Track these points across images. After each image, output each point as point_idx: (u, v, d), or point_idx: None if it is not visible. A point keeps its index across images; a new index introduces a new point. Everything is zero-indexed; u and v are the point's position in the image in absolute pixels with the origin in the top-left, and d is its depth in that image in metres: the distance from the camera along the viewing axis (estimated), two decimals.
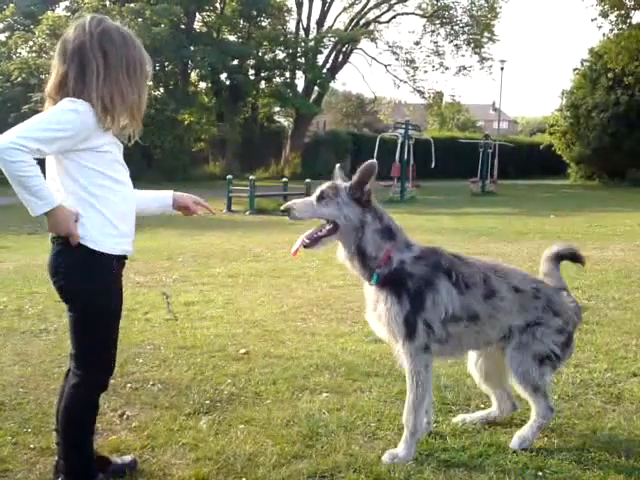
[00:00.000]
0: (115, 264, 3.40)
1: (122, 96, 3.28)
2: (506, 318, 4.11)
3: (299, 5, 44.91)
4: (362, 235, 3.93)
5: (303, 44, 42.80)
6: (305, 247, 4.03)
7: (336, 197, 3.94)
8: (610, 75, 38.05)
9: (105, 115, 3.22)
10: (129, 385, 5.09)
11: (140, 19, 33.83)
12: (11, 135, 2.98)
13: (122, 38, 3.31)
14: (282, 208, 4.07)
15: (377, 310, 4.03)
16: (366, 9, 46.87)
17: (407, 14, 48.02)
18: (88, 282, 3.32)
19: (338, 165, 4.34)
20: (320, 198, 3.97)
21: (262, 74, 42.98)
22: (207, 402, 4.76)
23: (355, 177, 3.94)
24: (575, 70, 44.41)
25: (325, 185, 4.02)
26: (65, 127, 3.08)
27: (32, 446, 4.02)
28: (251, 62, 42.08)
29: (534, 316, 4.14)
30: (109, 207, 3.31)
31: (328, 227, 3.98)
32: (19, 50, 36.95)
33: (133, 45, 3.34)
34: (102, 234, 3.30)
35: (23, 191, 3.08)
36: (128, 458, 3.81)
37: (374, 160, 3.95)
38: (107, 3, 36.60)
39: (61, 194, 3.24)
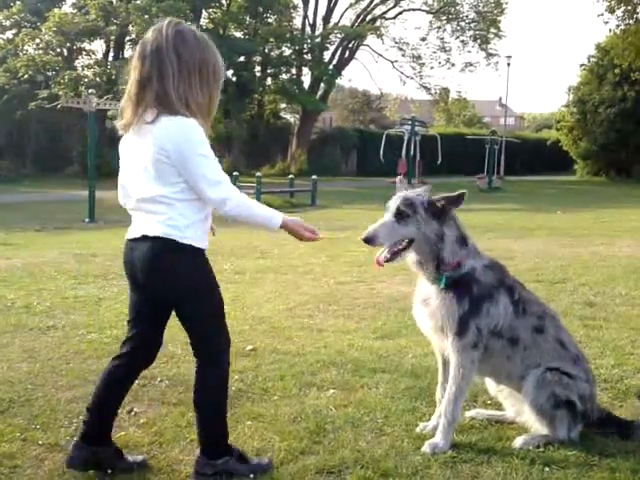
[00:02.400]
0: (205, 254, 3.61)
1: (194, 97, 3.39)
2: (539, 357, 4.12)
3: (305, 1, 44.88)
4: (442, 247, 3.98)
5: (309, 40, 42.78)
6: (386, 262, 4.01)
7: (415, 214, 3.93)
8: (617, 71, 38.03)
9: (190, 114, 3.36)
10: (137, 382, 5.07)
11: (146, 16, 33.81)
12: (219, 192, 3.37)
13: (196, 41, 3.41)
14: (363, 237, 3.92)
15: (431, 305, 4.07)
16: (372, 5, 46.81)
17: (413, 10, 47.97)
18: (195, 272, 3.53)
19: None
20: (399, 217, 3.94)
21: (268, 71, 42.99)
22: None
23: (441, 200, 3.96)
24: (582, 66, 44.39)
25: (398, 200, 3.99)
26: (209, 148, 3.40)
27: (41, 442, 4.03)
28: (257, 59, 42.10)
29: (568, 370, 4.13)
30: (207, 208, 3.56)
31: (405, 242, 3.98)
32: (26, 47, 36.95)
33: (207, 48, 3.44)
34: (200, 231, 3.52)
35: (255, 220, 3.59)
36: (139, 457, 3.84)
37: (465, 192, 3.96)
38: (113, 0, 36.61)
39: (166, 200, 3.40)
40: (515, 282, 4.23)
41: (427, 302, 4.12)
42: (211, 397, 3.63)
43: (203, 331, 3.60)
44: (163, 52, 3.32)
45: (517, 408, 4.30)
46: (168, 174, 3.34)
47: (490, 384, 4.52)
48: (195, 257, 3.49)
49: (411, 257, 4.07)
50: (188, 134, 3.30)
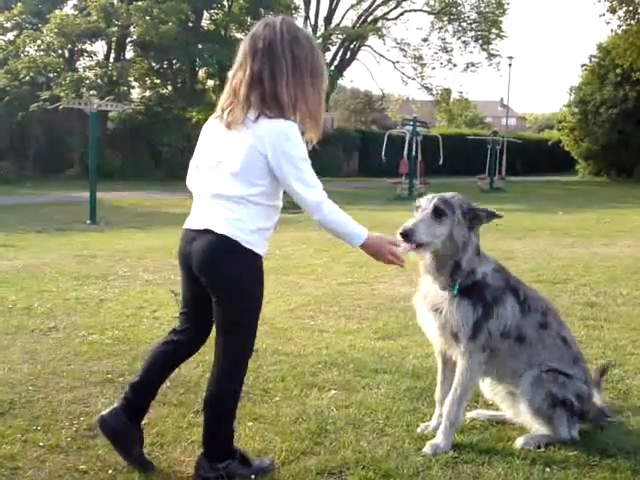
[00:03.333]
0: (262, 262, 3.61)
1: (305, 99, 3.39)
2: (543, 352, 4.13)
3: (307, 2, 44.88)
4: (463, 254, 3.98)
5: None
6: (414, 250, 3.96)
7: (453, 215, 3.95)
8: (618, 71, 37.97)
9: (294, 116, 3.37)
10: None
11: (148, 17, 33.82)
12: (315, 195, 3.41)
13: (309, 43, 3.42)
14: (400, 231, 3.86)
15: (442, 311, 4.06)
16: (374, 6, 46.79)
17: (415, 11, 47.96)
18: (248, 277, 3.55)
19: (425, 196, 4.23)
20: (436, 214, 3.93)
21: None
22: None
23: (480, 209, 4.04)
24: (583, 66, 44.34)
25: (435, 199, 3.98)
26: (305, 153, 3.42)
27: (41, 444, 4.03)
28: None
29: (566, 370, 4.14)
30: (276, 217, 3.61)
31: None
32: (27, 49, 36.92)
33: (316, 49, 3.46)
34: (263, 238, 3.53)
35: (341, 233, 3.54)
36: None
37: (502, 214, 4.04)
38: (115, 1, 36.60)
39: (243, 200, 3.42)
40: (518, 282, 4.25)
41: (437, 308, 4.09)
42: (225, 401, 3.62)
43: (235, 335, 3.58)
44: (278, 50, 3.29)
45: (515, 409, 4.30)
46: (255, 175, 3.34)
47: (485, 388, 4.51)
48: (253, 262, 3.50)
49: (428, 259, 4.05)
50: (290, 136, 3.30)
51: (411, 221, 3.92)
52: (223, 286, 3.49)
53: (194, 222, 3.57)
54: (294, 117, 3.37)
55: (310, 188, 3.38)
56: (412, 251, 3.94)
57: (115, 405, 3.77)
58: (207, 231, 3.45)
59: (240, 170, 3.35)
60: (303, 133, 3.46)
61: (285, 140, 3.29)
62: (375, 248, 3.56)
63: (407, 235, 3.85)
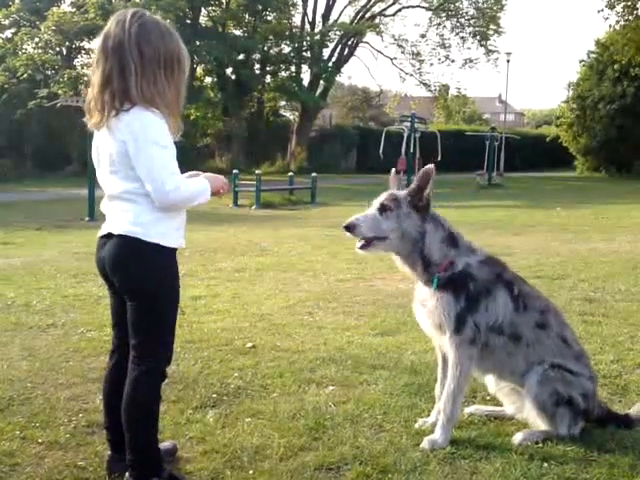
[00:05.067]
0: (174, 254, 3.50)
1: (160, 93, 3.32)
2: (543, 352, 4.12)
3: None
4: (423, 245, 3.98)
5: (309, 38, 42.71)
6: (360, 249, 4.07)
7: (397, 209, 3.96)
8: (616, 67, 38.00)
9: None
10: None
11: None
12: (167, 185, 3.24)
13: (160, 33, 3.34)
14: (345, 225, 3.95)
15: (428, 306, 4.09)
16: (371, 2, 46.66)
17: (413, 7, 47.84)
18: (158, 273, 3.43)
19: (394, 170, 4.31)
20: (382, 210, 3.97)
21: (268, 68, 42.94)
22: (214, 395, 4.77)
23: (413, 184, 3.98)
24: (581, 62, 44.36)
25: (384, 196, 4.02)
26: (168, 140, 3.31)
27: (40, 440, 4.04)
28: (257, 56, 42.03)
29: (569, 366, 4.12)
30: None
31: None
32: (25, 46, 36.89)
33: (170, 40, 3.37)
34: (167, 229, 3.41)
35: (195, 202, 3.41)
36: (168, 444, 3.86)
37: (431, 165, 3.96)
38: None
39: (130, 196, 3.35)
40: (515, 277, 4.22)
41: (424, 303, 4.13)
42: (142, 409, 3.49)
43: (152, 335, 3.48)
44: (125, 49, 3.24)
45: (518, 405, 4.30)
46: (130, 167, 3.28)
47: (490, 382, 4.51)
48: (161, 256, 3.40)
49: (397, 259, 4.11)
50: (144, 123, 3.23)
51: (355, 215, 4.00)
52: (134, 287, 3.42)
53: (102, 229, 3.53)
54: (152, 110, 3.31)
55: (169, 176, 3.26)
56: (362, 250, 4.04)
57: (108, 453, 3.71)
58: (110, 235, 3.44)
59: (117, 167, 3.32)
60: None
61: (139, 127, 3.23)
62: (215, 185, 3.55)
63: (350, 229, 3.95)
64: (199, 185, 3.44)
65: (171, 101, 3.38)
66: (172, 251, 3.45)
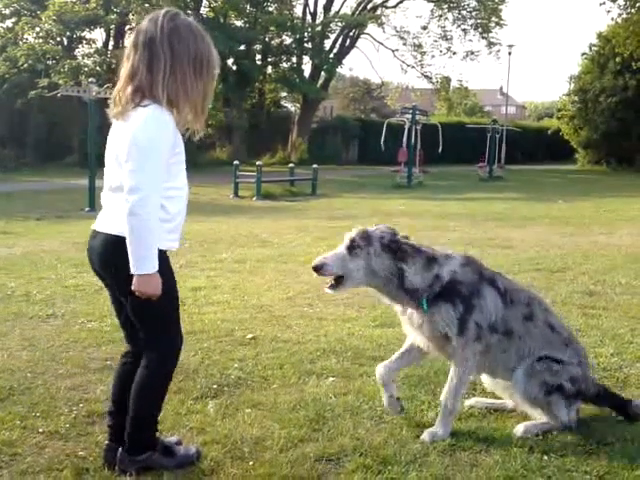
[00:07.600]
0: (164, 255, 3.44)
1: (186, 91, 3.34)
2: (532, 344, 4.13)
3: None
4: (401, 281, 3.95)
5: (310, 29, 42.57)
6: (329, 289, 4.07)
7: (367, 247, 3.92)
8: (618, 60, 37.89)
9: (170, 109, 3.32)
10: None
11: (147, 4, 33.68)
12: (142, 191, 3.17)
13: (192, 34, 3.37)
14: (313, 265, 3.94)
15: (426, 330, 4.06)
16: None
17: None
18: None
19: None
20: (351, 249, 3.93)
21: (269, 59, 42.82)
22: (214, 386, 4.78)
23: (404, 243, 3.97)
24: (583, 54, 44.25)
25: (354, 232, 3.98)
26: (164, 146, 3.25)
27: (41, 430, 4.05)
28: (258, 47, 41.90)
29: (557, 356, 4.14)
30: (176, 207, 3.46)
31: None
32: (26, 36, 36.79)
33: (202, 40, 3.40)
34: (165, 231, 3.39)
35: (143, 245, 3.24)
36: (174, 439, 3.88)
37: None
38: None
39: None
40: (493, 273, 4.23)
41: (421, 327, 4.09)
42: (149, 395, 3.57)
43: (149, 327, 3.51)
44: (156, 44, 3.28)
45: (516, 399, 4.31)
46: None
47: (486, 379, 4.52)
48: None
49: (378, 295, 4.13)
50: (147, 120, 3.24)
51: (323, 255, 3.97)
52: (122, 287, 3.40)
53: (96, 220, 3.54)
54: (173, 110, 3.33)
55: (138, 173, 3.21)
56: (331, 290, 4.04)
57: (105, 442, 3.72)
58: (97, 231, 3.46)
59: (121, 159, 3.32)
60: (186, 124, 3.46)
61: (141, 123, 3.23)
62: (147, 289, 3.31)
63: (317, 269, 3.94)
64: (154, 245, 3.26)
65: (196, 101, 3.41)
66: (161, 252, 3.37)
